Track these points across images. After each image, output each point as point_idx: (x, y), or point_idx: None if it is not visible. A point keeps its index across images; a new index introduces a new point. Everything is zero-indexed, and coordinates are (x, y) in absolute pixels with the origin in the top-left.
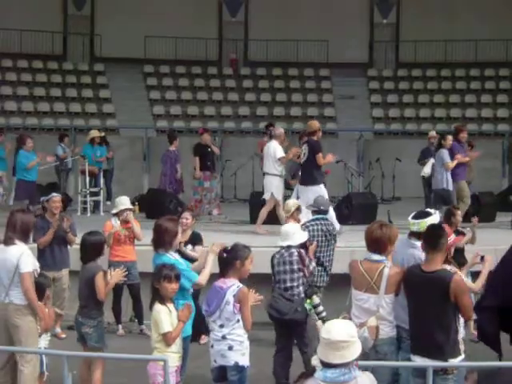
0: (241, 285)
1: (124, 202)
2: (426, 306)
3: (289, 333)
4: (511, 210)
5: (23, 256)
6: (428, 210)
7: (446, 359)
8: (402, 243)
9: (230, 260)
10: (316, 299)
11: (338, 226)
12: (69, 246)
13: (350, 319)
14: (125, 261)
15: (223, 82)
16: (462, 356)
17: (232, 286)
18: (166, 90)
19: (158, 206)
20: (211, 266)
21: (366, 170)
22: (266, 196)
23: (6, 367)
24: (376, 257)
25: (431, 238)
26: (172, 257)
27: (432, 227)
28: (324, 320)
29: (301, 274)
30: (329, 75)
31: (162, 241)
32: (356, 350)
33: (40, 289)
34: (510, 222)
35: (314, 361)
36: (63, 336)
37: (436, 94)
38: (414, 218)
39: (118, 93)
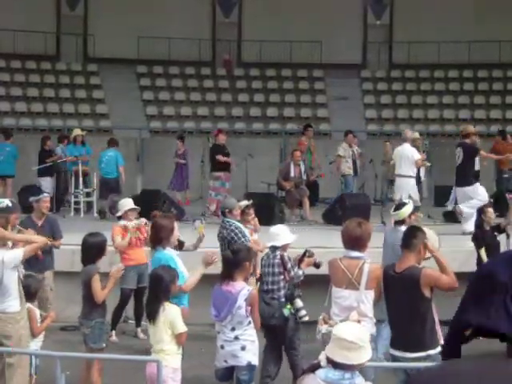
0: (250, 287)
1: (127, 203)
2: (401, 302)
3: (273, 335)
4: (506, 210)
5: (7, 255)
6: (403, 201)
7: (426, 350)
8: (390, 230)
9: (239, 261)
10: (298, 303)
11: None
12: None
13: (330, 319)
14: (139, 264)
15: (216, 83)
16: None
17: (242, 289)
18: (160, 91)
19: (151, 206)
20: (199, 276)
21: (360, 171)
22: (397, 196)
23: None
24: (355, 254)
25: (406, 238)
26: (169, 253)
27: (409, 228)
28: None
29: (281, 277)
30: (322, 76)
31: (159, 238)
32: (363, 355)
33: (28, 290)
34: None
35: (321, 356)
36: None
37: (429, 95)
38: (394, 210)
39: (111, 93)
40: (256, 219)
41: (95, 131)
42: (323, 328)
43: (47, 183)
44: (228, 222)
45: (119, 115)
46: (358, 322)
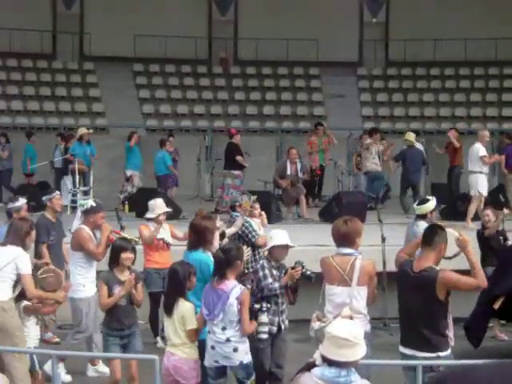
0: (242, 286)
1: (160, 205)
2: (415, 302)
3: None
4: (502, 208)
5: (21, 258)
6: (428, 197)
7: (434, 352)
8: (410, 224)
9: (231, 260)
10: (263, 318)
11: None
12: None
13: (324, 316)
14: (163, 268)
15: (213, 81)
16: (449, 351)
17: (234, 287)
18: (156, 89)
19: (147, 205)
20: None
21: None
22: (472, 193)
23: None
24: (346, 250)
25: (427, 235)
26: (206, 254)
27: (431, 225)
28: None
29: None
30: (318, 74)
31: (203, 240)
32: (357, 352)
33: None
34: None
35: (316, 355)
36: (56, 340)
37: (425, 92)
38: (417, 204)
39: (107, 92)
40: (264, 214)
41: (92, 129)
42: (316, 325)
43: (69, 181)
44: (237, 215)
45: (115, 113)
46: (351, 317)
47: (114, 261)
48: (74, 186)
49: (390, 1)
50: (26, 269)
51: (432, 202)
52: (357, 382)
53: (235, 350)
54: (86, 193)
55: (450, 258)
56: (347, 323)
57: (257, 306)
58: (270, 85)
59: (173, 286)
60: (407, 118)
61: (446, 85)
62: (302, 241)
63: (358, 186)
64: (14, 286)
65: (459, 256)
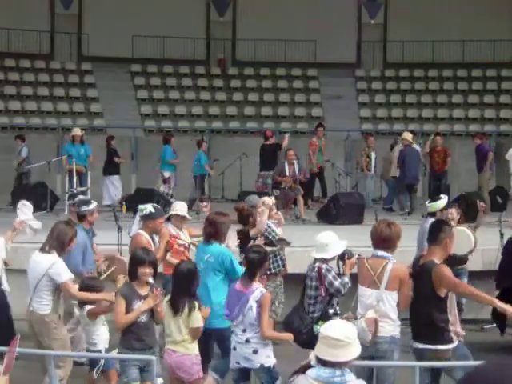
0: (264, 290)
1: (179, 207)
2: (418, 295)
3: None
4: (499, 209)
5: (55, 267)
6: (441, 195)
7: (436, 345)
8: (422, 221)
9: (263, 261)
10: None
11: None
12: None
13: (356, 318)
14: None
15: (211, 82)
16: (454, 344)
17: (255, 290)
18: (154, 90)
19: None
20: None
21: (354, 170)
22: None
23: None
24: (381, 253)
25: (432, 232)
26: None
27: (436, 222)
28: None
29: (318, 292)
30: (316, 75)
31: (219, 234)
32: (350, 352)
33: (92, 291)
34: (497, 221)
35: (311, 356)
36: None
37: (423, 94)
38: (429, 202)
39: (105, 92)
40: (280, 214)
41: (89, 130)
42: None
43: (114, 181)
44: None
45: (113, 114)
46: (375, 321)
47: (133, 274)
48: (72, 186)
49: (389, 2)
50: (62, 276)
51: (443, 200)
52: (352, 382)
53: (255, 351)
54: (83, 193)
55: (462, 256)
56: (340, 324)
57: (331, 310)
58: (268, 86)
59: (180, 286)
60: (405, 119)
61: (444, 86)
62: (300, 242)
63: (366, 188)
64: (56, 296)
65: (471, 255)
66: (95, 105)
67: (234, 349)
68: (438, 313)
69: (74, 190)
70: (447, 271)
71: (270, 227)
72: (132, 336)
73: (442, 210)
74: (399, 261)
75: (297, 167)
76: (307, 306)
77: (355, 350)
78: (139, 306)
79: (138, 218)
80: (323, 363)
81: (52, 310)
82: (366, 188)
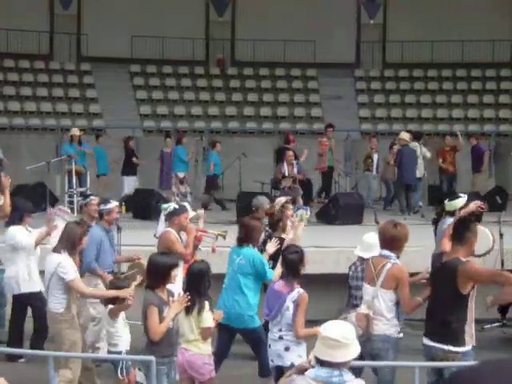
0: (301, 290)
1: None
2: (438, 292)
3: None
4: (499, 209)
5: (62, 266)
6: (460, 194)
7: (448, 345)
8: (440, 222)
9: (301, 260)
10: None
11: None
12: None
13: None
14: None
15: (210, 82)
16: (467, 347)
17: (292, 291)
18: (153, 90)
19: (144, 206)
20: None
21: (353, 171)
22: None
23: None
24: (385, 252)
25: (458, 231)
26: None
27: (460, 220)
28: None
29: None
30: (316, 75)
31: (251, 237)
32: (349, 352)
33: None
34: (497, 221)
35: (310, 356)
36: None
37: (423, 94)
38: (448, 200)
39: (104, 92)
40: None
41: (89, 130)
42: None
43: (131, 182)
44: None
45: (113, 114)
46: (367, 316)
47: (161, 279)
48: (71, 186)
49: (388, 2)
50: (69, 274)
51: (462, 199)
52: (350, 382)
53: (287, 348)
54: (82, 194)
55: (480, 255)
56: (339, 325)
57: None
58: (267, 86)
59: (191, 286)
60: (404, 119)
61: (443, 86)
62: (300, 242)
63: (369, 188)
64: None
65: (489, 254)
66: (94, 105)
67: (269, 346)
68: (456, 312)
69: (73, 190)
70: (478, 265)
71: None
72: (164, 343)
73: (460, 209)
74: (401, 264)
75: (296, 168)
76: (355, 306)
77: (354, 351)
78: (168, 313)
79: (162, 217)
80: (322, 363)
81: (66, 309)
82: (368, 189)
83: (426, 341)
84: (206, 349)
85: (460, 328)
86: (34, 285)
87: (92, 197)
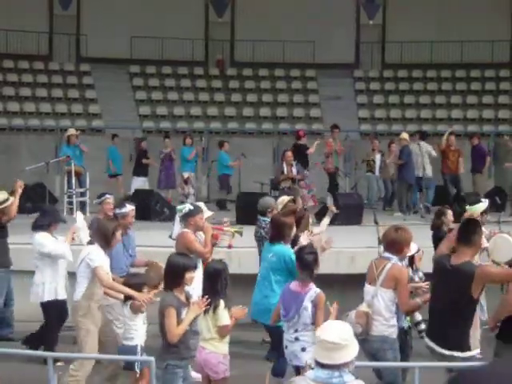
0: (318, 289)
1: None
2: (446, 296)
3: None
4: (498, 210)
5: (91, 253)
6: (481, 199)
7: (453, 351)
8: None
9: (316, 261)
10: (417, 316)
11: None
12: None
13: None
14: None
15: (209, 83)
16: (473, 352)
17: (310, 291)
18: (153, 91)
19: (144, 207)
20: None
21: (353, 171)
22: None
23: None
24: (387, 254)
25: (466, 233)
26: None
27: (466, 222)
28: (422, 336)
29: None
30: (315, 76)
31: (282, 235)
32: (347, 354)
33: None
34: (496, 222)
35: (310, 360)
36: None
37: (422, 94)
38: (469, 204)
39: (104, 93)
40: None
41: (88, 131)
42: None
43: (142, 182)
44: (266, 221)
45: (112, 115)
46: (366, 314)
47: (176, 281)
48: (70, 187)
49: (387, 3)
50: (96, 261)
51: (482, 204)
52: (350, 383)
53: (303, 349)
54: (82, 194)
55: (504, 263)
56: (336, 326)
57: None
58: (267, 87)
59: (207, 284)
60: (404, 119)
61: (442, 87)
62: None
63: (371, 189)
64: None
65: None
66: (94, 106)
67: (286, 347)
68: (467, 316)
69: (72, 190)
70: (491, 267)
71: None
72: (182, 345)
73: (482, 213)
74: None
75: (295, 168)
76: None
77: (353, 351)
78: (187, 315)
79: (177, 218)
80: (321, 366)
81: (83, 297)
82: (370, 189)
83: (430, 343)
84: (223, 348)
85: (467, 332)
86: (61, 292)
87: (107, 195)
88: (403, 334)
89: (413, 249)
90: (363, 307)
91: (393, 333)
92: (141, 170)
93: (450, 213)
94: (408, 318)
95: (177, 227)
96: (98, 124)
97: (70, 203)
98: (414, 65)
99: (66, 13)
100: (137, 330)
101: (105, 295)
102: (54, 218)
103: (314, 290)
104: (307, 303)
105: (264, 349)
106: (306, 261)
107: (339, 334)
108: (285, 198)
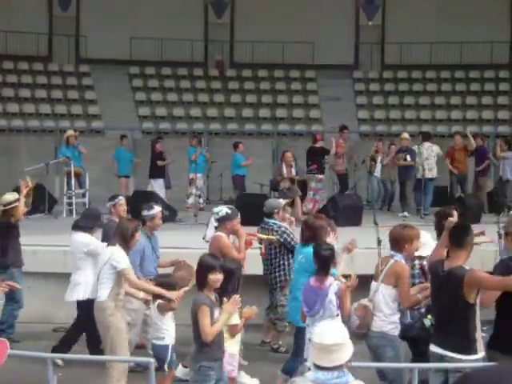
0: (338, 281)
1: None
2: (445, 301)
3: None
4: (498, 211)
5: (115, 254)
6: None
7: (460, 354)
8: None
9: (333, 257)
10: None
11: None
12: None
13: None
14: None
15: (209, 84)
16: (479, 355)
17: (331, 284)
18: (152, 92)
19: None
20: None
21: (352, 172)
22: None
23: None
24: (392, 252)
25: (459, 236)
26: None
27: (458, 225)
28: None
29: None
30: (314, 77)
31: (315, 237)
32: (347, 352)
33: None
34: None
35: (308, 363)
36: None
37: (421, 95)
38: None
39: (103, 94)
40: (293, 218)
41: (87, 132)
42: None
43: (159, 185)
44: (275, 223)
45: (111, 116)
46: (366, 307)
47: (203, 281)
48: (70, 188)
49: (386, 4)
50: (121, 263)
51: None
52: (352, 383)
53: None
54: (83, 195)
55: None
56: (331, 327)
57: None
58: (266, 87)
59: (226, 283)
60: (403, 120)
61: (441, 88)
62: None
63: (372, 190)
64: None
65: None
66: (93, 107)
67: (310, 340)
68: (468, 320)
69: (72, 191)
70: (483, 273)
71: (291, 233)
72: (214, 346)
73: None
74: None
75: (294, 169)
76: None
77: (349, 350)
78: (221, 315)
79: (212, 220)
80: (321, 368)
81: (108, 297)
82: (371, 190)
83: (435, 348)
84: (232, 347)
85: (469, 336)
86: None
87: (120, 197)
88: (425, 332)
89: (425, 252)
90: (364, 301)
91: (392, 329)
92: (157, 172)
93: (455, 214)
94: (429, 316)
95: (211, 229)
96: (98, 125)
97: (70, 204)
98: (414, 66)
99: (66, 14)
100: (167, 330)
101: (128, 297)
102: (97, 222)
103: (336, 283)
104: (331, 296)
105: (263, 350)
106: (324, 256)
107: (334, 335)
108: (281, 201)
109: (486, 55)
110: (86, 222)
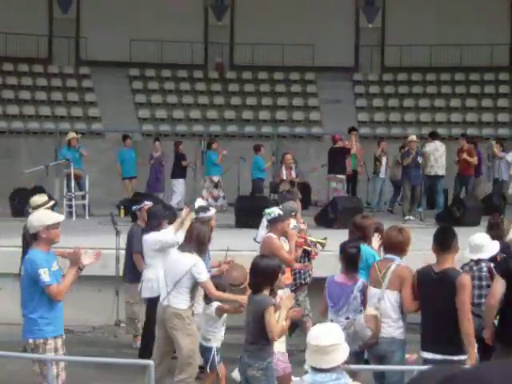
0: (362, 279)
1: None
2: (437, 304)
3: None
4: (499, 213)
5: (197, 266)
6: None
7: (455, 355)
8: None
9: (359, 254)
10: None
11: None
12: None
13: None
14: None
15: (209, 86)
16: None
17: (357, 281)
18: (152, 94)
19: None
20: None
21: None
22: None
23: (162, 364)
24: (390, 256)
25: (444, 240)
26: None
27: (442, 229)
28: None
29: (489, 290)
30: (314, 79)
31: (365, 236)
32: (344, 352)
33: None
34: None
35: (305, 366)
36: None
37: (421, 98)
38: None
39: (103, 96)
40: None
41: (87, 134)
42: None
43: (180, 185)
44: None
45: (111, 118)
46: (375, 317)
47: (271, 282)
48: (70, 190)
49: (386, 6)
50: (203, 276)
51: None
52: None
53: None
54: (83, 197)
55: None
56: (327, 328)
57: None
58: (266, 90)
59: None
60: (403, 123)
61: (441, 90)
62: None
63: (374, 191)
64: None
65: None
66: (93, 109)
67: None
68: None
69: (72, 194)
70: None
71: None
72: (272, 343)
73: None
74: (406, 265)
75: (294, 171)
76: (478, 305)
77: (345, 351)
78: (281, 312)
79: (264, 222)
80: (318, 370)
81: (188, 307)
82: (375, 191)
83: (427, 354)
84: (279, 346)
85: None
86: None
87: (146, 202)
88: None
89: (497, 245)
90: (371, 311)
91: (401, 334)
92: (180, 172)
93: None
94: (497, 317)
95: (262, 230)
96: (98, 127)
97: (70, 206)
98: (414, 68)
99: (66, 16)
100: (215, 333)
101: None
102: (161, 216)
103: (361, 280)
104: (356, 293)
105: None
106: (350, 253)
107: (329, 337)
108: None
109: (486, 57)
110: (152, 223)
